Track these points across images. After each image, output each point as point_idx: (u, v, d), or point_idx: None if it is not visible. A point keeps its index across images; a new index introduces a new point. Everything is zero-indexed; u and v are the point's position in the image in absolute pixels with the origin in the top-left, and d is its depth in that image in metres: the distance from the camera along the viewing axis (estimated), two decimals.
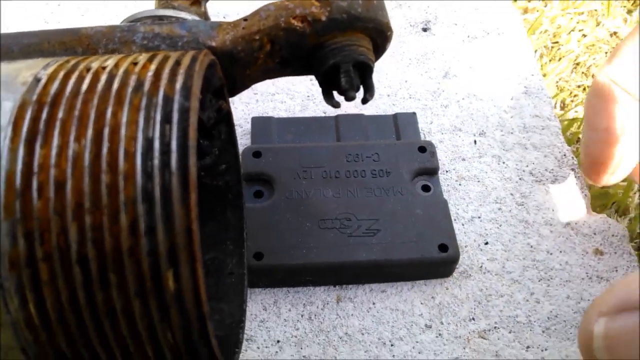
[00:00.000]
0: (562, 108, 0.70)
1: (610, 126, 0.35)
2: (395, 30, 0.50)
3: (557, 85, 0.72)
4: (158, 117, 0.21)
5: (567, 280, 0.38)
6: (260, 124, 0.44)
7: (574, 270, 0.39)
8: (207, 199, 0.34)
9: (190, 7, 0.31)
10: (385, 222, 0.38)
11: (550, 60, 0.75)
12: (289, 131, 0.44)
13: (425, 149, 0.42)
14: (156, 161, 0.21)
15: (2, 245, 0.20)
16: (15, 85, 0.23)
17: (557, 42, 0.78)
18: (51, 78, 0.23)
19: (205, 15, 0.32)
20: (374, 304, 0.37)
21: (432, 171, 0.41)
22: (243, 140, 0.44)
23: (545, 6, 0.80)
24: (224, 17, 0.53)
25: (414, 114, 0.46)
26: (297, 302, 0.37)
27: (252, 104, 0.47)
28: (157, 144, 0.21)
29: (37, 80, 0.23)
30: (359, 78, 0.31)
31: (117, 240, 0.20)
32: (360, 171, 0.41)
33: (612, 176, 0.37)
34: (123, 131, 0.21)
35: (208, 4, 0.35)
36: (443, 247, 0.37)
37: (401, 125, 0.45)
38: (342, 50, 0.30)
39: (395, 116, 0.45)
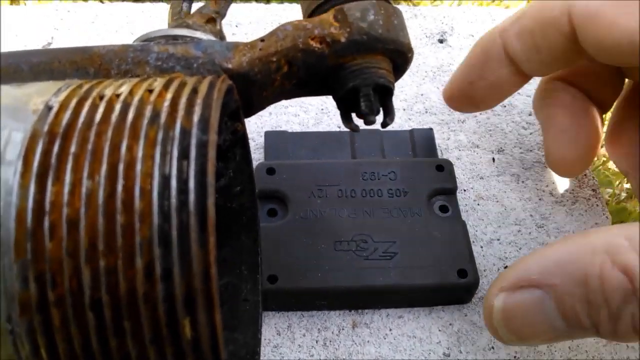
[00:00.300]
0: None
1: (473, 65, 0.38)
2: (410, 40, 0.49)
3: None
4: (175, 153, 0.20)
5: None
6: (274, 139, 0.43)
7: None
8: (221, 222, 0.33)
9: (205, 25, 0.30)
10: (403, 244, 0.37)
11: None
12: (303, 146, 0.43)
13: (443, 167, 0.41)
14: (173, 200, 0.20)
15: (13, 288, 0.19)
16: (26, 113, 0.22)
17: None
18: (63, 106, 0.22)
19: (220, 34, 0.31)
20: (390, 330, 0.36)
21: (450, 191, 0.40)
22: (256, 154, 0.43)
23: None
24: (236, 26, 0.52)
25: (431, 129, 0.44)
26: (311, 327, 0.36)
27: (265, 117, 0.46)
28: (174, 182, 0.20)
29: (48, 108, 0.22)
30: (378, 101, 0.30)
31: (132, 284, 0.19)
32: (377, 190, 0.39)
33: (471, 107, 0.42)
34: (139, 167, 0.20)
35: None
36: (462, 273, 0.36)
37: (418, 141, 0.43)
38: (361, 72, 0.29)
39: (411, 132, 0.44)
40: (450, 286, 0.36)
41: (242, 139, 0.31)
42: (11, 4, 0.64)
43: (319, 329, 0.36)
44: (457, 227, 0.38)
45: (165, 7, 0.54)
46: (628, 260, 0.26)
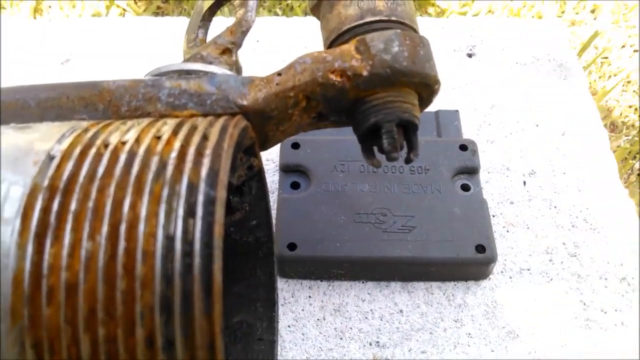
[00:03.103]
0: (611, 130, 0.66)
1: None
2: (437, 55, 0.47)
3: (606, 106, 0.68)
4: (180, 211, 0.19)
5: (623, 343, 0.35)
6: None
7: (630, 332, 0.36)
8: (236, 256, 0.32)
9: (220, 57, 0.28)
10: (422, 219, 0.37)
11: (599, 78, 0.71)
12: None
13: (466, 147, 0.41)
14: (177, 264, 0.18)
15: (9, 356, 0.18)
16: (26, 166, 0.21)
17: (606, 58, 0.74)
18: (66, 156, 0.21)
19: (236, 65, 0.29)
20: None
21: (472, 170, 0.40)
22: None
23: (595, 19, 0.76)
24: (257, 41, 0.50)
25: (457, 111, 0.44)
26: None
27: None
28: (178, 245, 0.18)
29: (50, 158, 0.21)
30: (402, 136, 0.28)
31: (132, 355, 0.18)
32: (399, 167, 0.40)
33: None
34: (142, 227, 0.19)
35: None
36: (480, 248, 0.36)
37: (443, 122, 0.43)
38: (384, 107, 0.27)
39: (437, 113, 0.44)
40: (467, 261, 0.36)
41: (257, 174, 0.30)
42: (34, 16, 0.64)
43: None
44: (478, 204, 0.38)
45: (186, 21, 0.52)
46: None
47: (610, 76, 0.70)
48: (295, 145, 0.41)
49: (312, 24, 0.52)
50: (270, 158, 0.43)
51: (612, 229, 0.40)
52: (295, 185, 0.40)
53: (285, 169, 0.40)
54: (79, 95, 0.26)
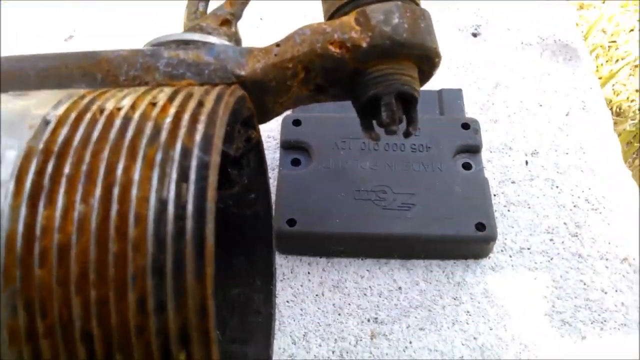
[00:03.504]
0: (617, 114, 0.66)
1: None
2: (442, 35, 0.46)
3: (613, 89, 0.68)
4: (174, 175, 0.19)
5: (623, 324, 0.35)
6: None
7: (630, 313, 0.36)
8: (235, 229, 0.32)
9: (219, 28, 0.28)
10: (422, 197, 0.37)
11: (607, 62, 0.71)
12: None
13: (468, 126, 0.41)
14: (169, 227, 0.18)
15: (1, 317, 0.18)
16: (22, 129, 0.21)
17: (614, 42, 0.73)
18: (61, 121, 0.21)
19: (236, 36, 0.29)
20: (410, 342, 0.35)
21: (474, 149, 0.40)
22: None
23: (604, 2, 0.75)
24: (260, 19, 0.50)
25: (460, 90, 0.44)
26: (328, 337, 0.35)
27: None
28: (171, 208, 0.18)
29: (45, 122, 0.21)
30: (401, 109, 0.28)
31: (124, 317, 0.18)
32: (400, 145, 0.40)
33: None
34: (135, 191, 0.19)
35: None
36: (480, 226, 0.36)
37: (446, 101, 0.43)
38: (384, 79, 0.27)
39: (440, 92, 0.44)
40: (467, 239, 0.36)
41: (256, 146, 0.30)
42: None
43: (335, 339, 0.35)
44: (479, 183, 0.38)
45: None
46: None
47: (617, 60, 0.69)
48: (297, 122, 0.40)
49: (317, 2, 0.52)
50: (272, 135, 0.43)
51: (614, 210, 0.40)
52: (295, 162, 0.40)
53: (286, 145, 0.40)
54: (78, 65, 0.26)
